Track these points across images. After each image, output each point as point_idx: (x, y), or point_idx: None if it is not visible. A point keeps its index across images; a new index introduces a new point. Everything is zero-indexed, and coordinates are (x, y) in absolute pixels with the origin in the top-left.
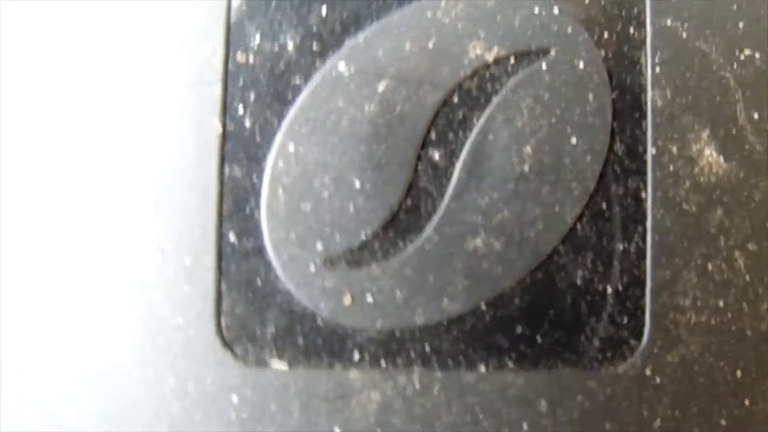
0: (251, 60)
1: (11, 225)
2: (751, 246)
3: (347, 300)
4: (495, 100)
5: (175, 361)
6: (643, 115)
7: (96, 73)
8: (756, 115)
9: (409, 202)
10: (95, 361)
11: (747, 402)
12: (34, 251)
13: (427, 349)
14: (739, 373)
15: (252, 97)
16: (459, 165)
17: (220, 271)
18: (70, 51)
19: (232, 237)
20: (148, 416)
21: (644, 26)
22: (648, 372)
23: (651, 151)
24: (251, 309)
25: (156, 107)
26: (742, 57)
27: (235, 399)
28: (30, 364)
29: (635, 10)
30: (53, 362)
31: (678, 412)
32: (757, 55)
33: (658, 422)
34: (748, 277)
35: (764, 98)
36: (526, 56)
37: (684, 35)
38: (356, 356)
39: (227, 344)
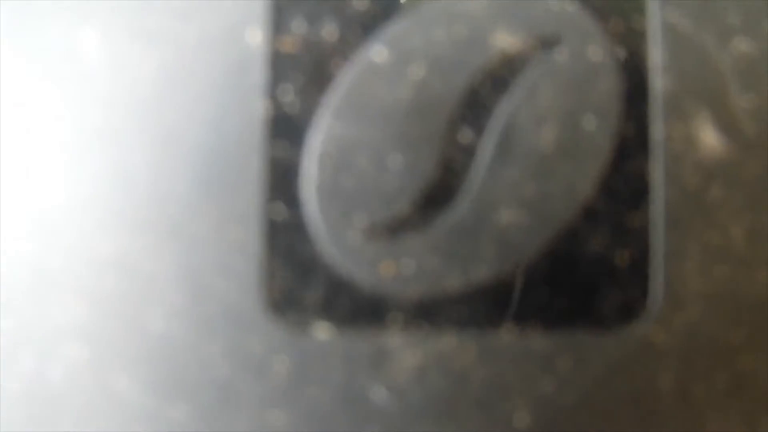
0: (294, 44)
1: (65, 198)
2: (745, 218)
3: (385, 268)
4: (516, 84)
5: (224, 328)
6: (649, 101)
7: (155, 61)
8: (748, 101)
9: (441, 178)
10: (147, 330)
11: (741, 362)
12: (90, 223)
13: (459, 312)
14: (734, 336)
15: (295, 79)
16: (485, 144)
17: (267, 243)
18: (126, 38)
19: (277, 211)
20: (197, 382)
21: (648, 21)
22: (655, 333)
23: (656, 132)
24: (296, 278)
25: (205, 90)
26: (735, 48)
27: (281, 362)
28: (84, 328)
29: (640, 6)
30: (103, 330)
31: (681, 370)
32: (749, 47)
33: (665, 380)
34: (743, 248)
35: (755, 86)
36: (544, 44)
37: (685, 27)
38: (394, 321)
39: (274, 311)
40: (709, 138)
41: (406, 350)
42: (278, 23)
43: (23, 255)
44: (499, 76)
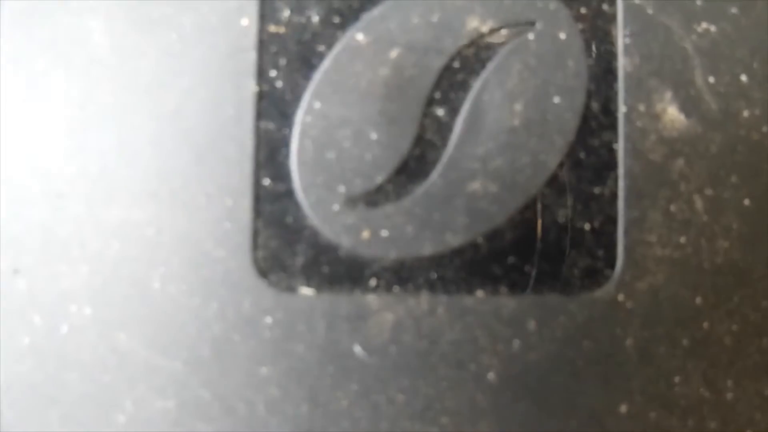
0: (282, 30)
1: (71, 173)
2: (707, 191)
3: (365, 234)
4: (489, 65)
5: (216, 290)
6: (615, 79)
7: (156, 46)
8: (711, 79)
9: (417, 151)
10: (148, 291)
11: (705, 325)
12: (96, 194)
13: (433, 276)
14: (698, 300)
15: (283, 62)
16: (459, 120)
17: (256, 211)
18: (129, 26)
19: (266, 181)
20: (193, 339)
21: (615, 3)
22: (620, 298)
23: (622, 109)
24: (283, 243)
25: (201, 72)
26: (699, 29)
27: (268, 321)
28: (90, 289)
29: None
30: (107, 291)
31: (646, 333)
32: (712, 28)
33: (629, 341)
34: (705, 218)
35: (718, 64)
36: (515, 28)
37: (650, 11)
38: (373, 283)
39: (262, 273)
40: (672, 114)
41: (383, 310)
42: (267, 11)
43: (36, 222)
44: (473, 58)
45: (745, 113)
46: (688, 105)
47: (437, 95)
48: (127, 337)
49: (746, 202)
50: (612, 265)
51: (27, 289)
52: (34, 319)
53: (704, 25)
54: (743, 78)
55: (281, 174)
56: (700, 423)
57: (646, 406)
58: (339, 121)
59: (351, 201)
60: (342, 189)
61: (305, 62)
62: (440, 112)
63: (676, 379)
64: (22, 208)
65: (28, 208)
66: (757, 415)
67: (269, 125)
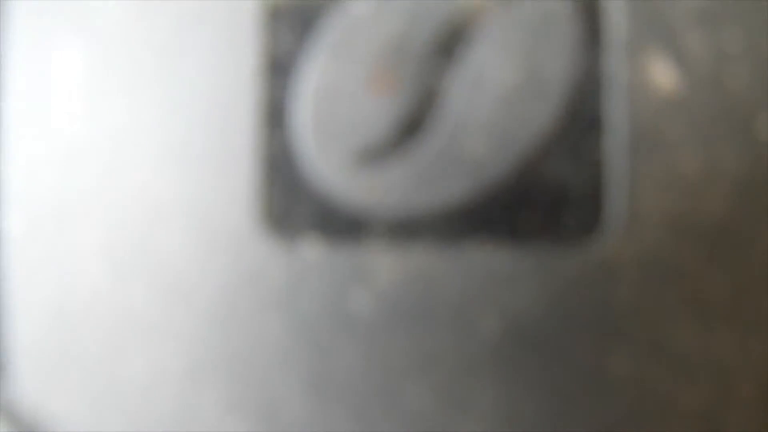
0: (283, 1)
1: (85, 141)
2: (698, 152)
3: (367, 191)
4: (481, 31)
5: (221, 248)
6: (604, 43)
7: (164, 13)
8: (704, 42)
9: (415, 113)
10: (152, 250)
11: (693, 283)
12: (108, 156)
13: (434, 232)
14: (687, 259)
15: (283, 30)
16: (453, 84)
17: (262, 171)
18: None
19: (270, 142)
20: (198, 295)
21: None
22: (611, 253)
23: (611, 72)
24: (287, 201)
25: (205, 40)
26: None
27: (273, 278)
28: (104, 250)
29: None
30: (118, 252)
31: (636, 289)
32: None
33: (620, 296)
34: (695, 178)
35: (711, 27)
36: None
37: None
38: (375, 237)
39: (267, 231)
40: (664, 75)
41: (385, 264)
42: None
43: (49, 186)
44: (466, 25)
45: (738, 75)
46: (679, 68)
47: (433, 60)
48: (136, 297)
49: (738, 161)
50: (603, 222)
51: (40, 251)
52: (46, 281)
53: None
54: (736, 40)
55: (284, 135)
56: (695, 379)
57: (640, 362)
58: (339, 85)
59: (353, 159)
60: (344, 149)
61: (306, 30)
62: (438, 75)
63: (670, 335)
64: (34, 171)
65: (41, 171)
66: (752, 373)
67: (273, 89)
